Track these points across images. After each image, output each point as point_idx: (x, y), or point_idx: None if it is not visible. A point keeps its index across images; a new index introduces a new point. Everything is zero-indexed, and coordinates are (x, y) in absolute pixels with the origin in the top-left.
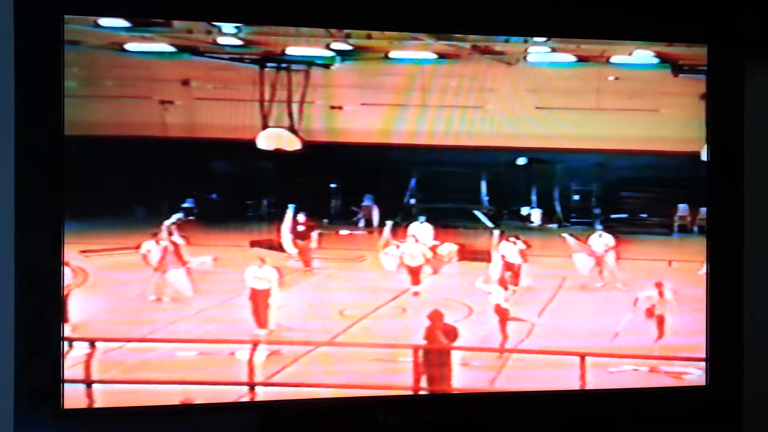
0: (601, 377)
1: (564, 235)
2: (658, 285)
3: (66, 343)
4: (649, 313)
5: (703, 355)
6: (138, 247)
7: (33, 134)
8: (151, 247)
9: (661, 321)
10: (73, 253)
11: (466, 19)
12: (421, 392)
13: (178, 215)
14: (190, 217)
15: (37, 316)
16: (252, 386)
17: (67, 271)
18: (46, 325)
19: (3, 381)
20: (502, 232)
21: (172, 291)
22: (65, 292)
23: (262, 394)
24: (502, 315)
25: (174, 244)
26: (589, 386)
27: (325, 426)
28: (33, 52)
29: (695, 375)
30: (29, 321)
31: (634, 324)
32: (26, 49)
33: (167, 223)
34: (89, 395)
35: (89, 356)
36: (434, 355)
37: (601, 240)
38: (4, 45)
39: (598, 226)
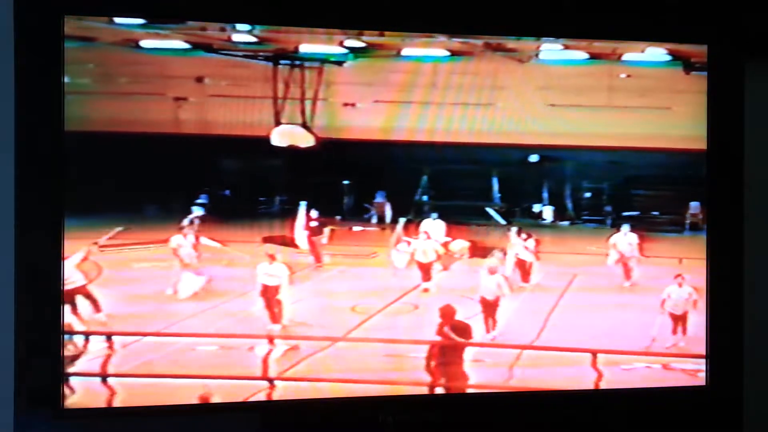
0: (612, 375)
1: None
2: (678, 276)
3: (81, 338)
4: (674, 313)
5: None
6: (150, 242)
7: (33, 134)
8: (181, 242)
9: (684, 318)
10: (88, 247)
11: (477, 19)
12: (423, 392)
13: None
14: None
15: (37, 316)
16: (271, 381)
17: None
18: (46, 325)
19: (3, 381)
20: (519, 230)
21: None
22: (78, 287)
23: (275, 388)
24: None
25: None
26: (600, 383)
27: (325, 426)
28: (33, 52)
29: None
30: (29, 321)
31: (659, 323)
32: (26, 49)
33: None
34: (92, 394)
35: (104, 352)
36: (444, 352)
37: (626, 239)
38: (4, 45)
39: (625, 225)
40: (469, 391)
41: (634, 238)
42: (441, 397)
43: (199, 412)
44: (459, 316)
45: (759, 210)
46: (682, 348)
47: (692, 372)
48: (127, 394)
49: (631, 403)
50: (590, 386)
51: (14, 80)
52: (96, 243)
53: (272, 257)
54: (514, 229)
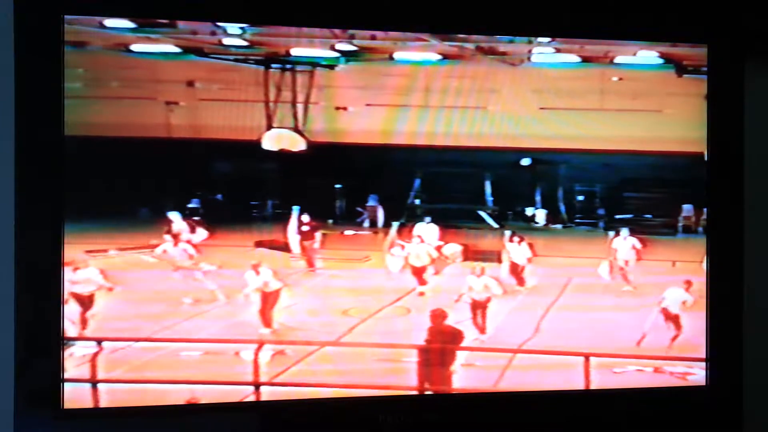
0: (605, 378)
1: None
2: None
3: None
4: (667, 312)
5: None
6: (143, 247)
7: (33, 134)
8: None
9: (677, 319)
10: (80, 252)
11: (470, 20)
12: (422, 392)
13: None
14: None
15: (37, 316)
16: (257, 386)
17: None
18: (46, 325)
19: (3, 381)
20: (513, 233)
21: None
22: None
23: (267, 393)
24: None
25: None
26: (592, 386)
27: (325, 426)
28: (33, 52)
29: (698, 375)
30: (29, 321)
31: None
32: (26, 49)
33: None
34: (93, 395)
35: (94, 355)
36: (437, 356)
37: (626, 243)
38: (4, 45)
39: (624, 229)
40: (469, 391)
41: (634, 242)
42: (441, 397)
43: (200, 412)
44: (450, 320)
45: (759, 210)
46: (672, 350)
47: (681, 375)
48: (128, 398)
49: (631, 403)
50: (588, 387)
51: (14, 80)
52: None
53: (261, 262)
54: (507, 232)
